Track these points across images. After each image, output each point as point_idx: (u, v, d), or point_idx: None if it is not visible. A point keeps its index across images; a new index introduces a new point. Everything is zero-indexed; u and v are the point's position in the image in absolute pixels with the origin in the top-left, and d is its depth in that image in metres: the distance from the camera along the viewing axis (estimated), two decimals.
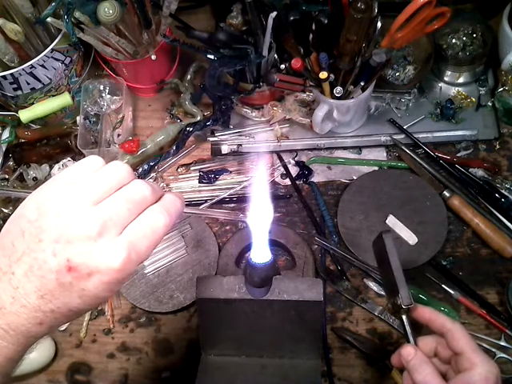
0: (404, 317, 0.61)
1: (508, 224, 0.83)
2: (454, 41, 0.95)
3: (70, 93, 0.95)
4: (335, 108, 0.86)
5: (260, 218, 0.56)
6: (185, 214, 0.50)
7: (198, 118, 0.96)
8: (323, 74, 0.80)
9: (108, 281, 0.40)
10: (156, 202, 0.44)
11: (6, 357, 0.42)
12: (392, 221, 0.84)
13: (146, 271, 0.86)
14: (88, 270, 0.39)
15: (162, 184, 0.93)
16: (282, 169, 0.92)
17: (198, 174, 0.93)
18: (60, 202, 0.40)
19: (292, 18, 0.77)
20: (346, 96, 0.85)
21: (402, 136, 0.91)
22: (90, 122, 0.95)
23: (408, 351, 0.57)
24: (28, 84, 0.90)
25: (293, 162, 0.93)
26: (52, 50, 0.88)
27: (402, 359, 0.57)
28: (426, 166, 0.88)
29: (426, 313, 0.61)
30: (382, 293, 0.81)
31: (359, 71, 0.81)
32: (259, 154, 0.94)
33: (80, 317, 0.44)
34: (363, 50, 0.79)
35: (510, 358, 0.75)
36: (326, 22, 0.76)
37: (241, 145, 0.95)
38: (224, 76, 0.91)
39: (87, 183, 0.41)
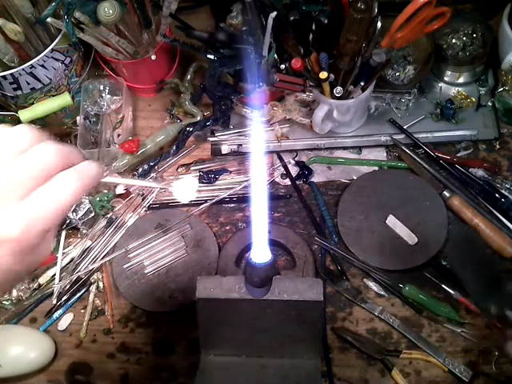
0: None
1: (508, 224, 0.83)
2: (454, 41, 0.95)
3: (70, 93, 0.95)
4: (335, 108, 0.86)
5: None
6: (105, 183, 0.47)
7: (198, 118, 0.96)
8: (323, 74, 0.80)
9: (10, 251, 0.39)
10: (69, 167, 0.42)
11: None
12: (392, 221, 0.84)
13: (145, 271, 0.86)
14: None
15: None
16: (282, 169, 0.92)
17: (198, 174, 0.93)
18: None
19: (292, 18, 0.77)
20: (346, 96, 0.85)
21: (402, 136, 0.91)
22: (90, 121, 0.95)
23: None
24: (28, 84, 0.90)
25: (293, 161, 0.93)
26: (52, 50, 0.88)
27: None
28: (426, 166, 0.88)
29: None
30: (382, 293, 0.81)
31: (359, 71, 0.81)
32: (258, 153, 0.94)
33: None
34: (363, 50, 0.79)
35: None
36: (325, 22, 0.76)
37: (241, 145, 0.95)
38: (224, 76, 0.91)
39: (8, 173, 0.39)
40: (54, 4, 0.80)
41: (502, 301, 0.63)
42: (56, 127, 0.99)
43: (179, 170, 0.94)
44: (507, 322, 0.60)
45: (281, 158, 0.93)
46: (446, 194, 0.85)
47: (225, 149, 0.95)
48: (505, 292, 0.64)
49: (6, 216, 0.38)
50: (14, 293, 0.86)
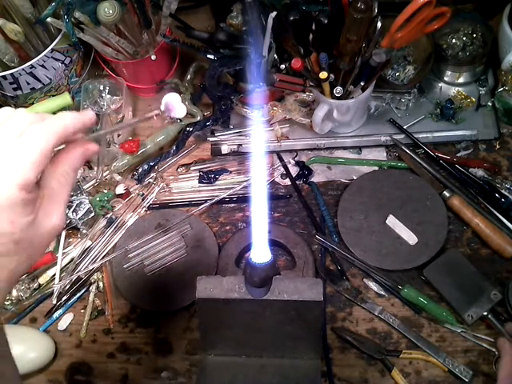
0: None
1: (508, 224, 0.83)
2: (454, 41, 0.95)
3: (70, 93, 0.95)
4: (335, 108, 0.86)
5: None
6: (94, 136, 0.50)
7: (198, 118, 0.96)
8: (323, 74, 0.80)
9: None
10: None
11: None
12: (392, 221, 0.84)
13: (146, 271, 0.86)
14: None
15: (162, 184, 0.93)
16: (282, 169, 0.92)
17: (198, 174, 0.93)
18: None
19: (292, 18, 0.77)
20: (346, 96, 0.85)
21: (402, 136, 0.91)
22: None
23: None
24: (28, 84, 0.90)
25: (293, 161, 0.93)
26: (52, 49, 0.88)
27: None
28: (426, 166, 0.88)
29: None
30: (382, 293, 0.81)
31: (359, 71, 0.81)
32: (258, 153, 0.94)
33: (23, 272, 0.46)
34: (363, 50, 0.79)
35: None
36: (326, 21, 0.76)
37: (241, 145, 0.95)
38: (224, 76, 0.91)
39: None
40: (53, 4, 0.80)
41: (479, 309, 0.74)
42: None
43: (179, 170, 0.94)
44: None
45: (281, 158, 0.93)
46: (446, 193, 0.85)
47: (225, 149, 0.95)
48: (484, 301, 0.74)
49: None
50: (14, 293, 0.86)
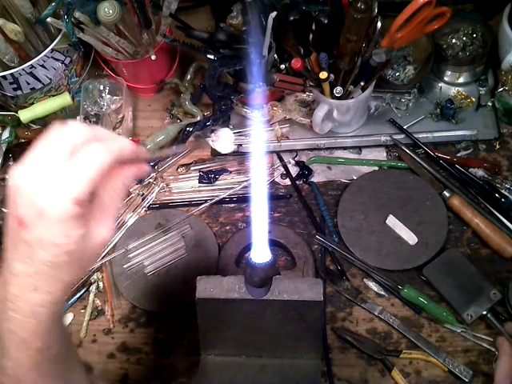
0: None
1: (508, 224, 0.83)
2: (454, 41, 0.95)
3: (70, 93, 0.95)
4: (335, 108, 0.86)
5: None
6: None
7: (198, 118, 0.96)
8: (323, 74, 0.80)
9: (51, 222, 0.42)
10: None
11: (25, 330, 0.46)
12: (392, 221, 0.84)
13: (146, 271, 0.86)
14: (31, 218, 0.42)
15: (162, 184, 0.93)
16: (282, 169, 0.92)
17: (198, 174, 0.93)
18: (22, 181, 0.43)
19: (292, 18, 0.77)
20: (346, 96, 0.85)
21: (402, 136, 0.91)
22: (90, 121, 0.95)
23: None
24: (28, 84, 0.90)
25: (293, 161, 0.93)
26: (52, 50, 0.88)
27: None
28: (426, 165, 0.88)
29: None
30: (382, 292, 0.81)
31: (359, 71, 0.81)
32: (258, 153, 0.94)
33: (74, 279, 0.48)
34: (363, 50, 0.79)
35: None
36: (326, 21, 0.76)
37: (241, 145, 0.95)
38: (224, 76, 0.91)
39: (45, 160, 0.43)
40: (53, 4, 0.80)
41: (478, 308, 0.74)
42: None
43: (179, 169, 0.94)
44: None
45: (281, 158, 0.93)
46: (446, 193, 0.85)
47: None
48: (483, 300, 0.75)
49: (44, 193, 0.42)
50: None
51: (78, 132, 0.44)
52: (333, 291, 0.82)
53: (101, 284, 0.87)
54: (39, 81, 0.91)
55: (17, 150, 0.97)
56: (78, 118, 0.96)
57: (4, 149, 0.98)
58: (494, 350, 0.75)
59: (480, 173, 0.87)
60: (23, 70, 0.87)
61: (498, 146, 0.90)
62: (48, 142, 0.44)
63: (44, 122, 0.99)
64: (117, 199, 0.48)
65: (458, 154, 0.90)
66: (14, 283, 0.45)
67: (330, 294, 0.82)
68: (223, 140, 0.54)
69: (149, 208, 0.92)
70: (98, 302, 0.86)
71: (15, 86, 0.90)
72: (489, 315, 0.76)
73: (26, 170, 0.43)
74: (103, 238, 0.47)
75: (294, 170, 0.92)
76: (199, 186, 0.93)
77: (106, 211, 0.47)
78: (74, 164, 0.43)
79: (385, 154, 0.92)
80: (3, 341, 0.47)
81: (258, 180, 0.57)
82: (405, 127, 0.91)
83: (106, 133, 0.47)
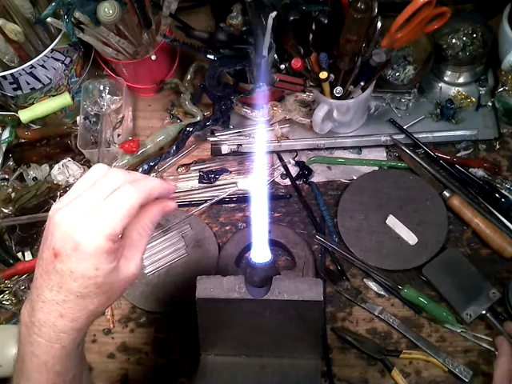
0: None
1: (508, 224, 0.83)
2: (454, 41, 0.95)
3: (69, 93, 0.95)
4: (335, 108, 0.86)
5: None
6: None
7: (198, 118, 0.96)
8: (323, 74, 0.80)
9: (84, 255, 0.46)
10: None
11: (48, 354, 0.49)
12: (392, 221, 0.84)
13: (146, 271, 0.86)
14: (66, 251, 0.46)
15: None
16: (282, 169, 0.92)
17: (198, 174, 0.93)
18: (62, 219, 0.47)
19: (292, 18, 0.77)
20: (346, 96, 0.85)
21: (402, 136, 0.91)
22: (90, 121, 0.95)
23: None
24: (28, 84, 0.90)
25: (293, 161, 0.93)
26: (52, 50, 0.88)
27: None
28: (426, 165, 0.88)
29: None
30: (382, 293, 0.81)
31: (359, 71, 0.81)
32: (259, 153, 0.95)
33: (101, 313, 0.52)
34: (363, 49, 0.79)
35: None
36: (326, 21, 0.76)
37: (241, 145, 0.95)
38: (224, 76, 0.91)
39: (83, 199, 0.48)
40: (53, 4, 0.80)
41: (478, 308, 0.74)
42: (56, 127, 0.99)
43: (179, 170, 0.94)
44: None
45: (281, 158, 0.93)
46: (446, 193, 0.85)
47: (225, 149, 0.95)
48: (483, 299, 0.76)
49: (78, 229, 0.46)
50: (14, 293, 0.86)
51: (118, 177, 0.49)
52: (333, 291, 0.82)
53: None
54: (39, 81, 0.91)
55: (17, 149, 0.97)
56: (77, 118, 0.96)
57: (4, 149, 0.98)
58: (493, 350, 0.75)
59: (480, 173, 0.87)
60: (23, 69, 0.87)
61: (498, 146, 0.90)
62: (89, 182, 0.49)
63: (44, 122, 0.99)
64: (145, 237, 0.51)
65: (458, 154, 0.90)
66: (42, 309, 0.48)
67: (330, 294, 0.82)
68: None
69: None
70: None
71: (15, 86, 0.90)
72: (488, 315, 0.76)
73: (65, 205, 0.47)
74: (131, 272, 0.50)
75: (293, 170, 0.92)
76: (199, 186, 0.93)
77: (135, 248, 0.51)
78: (108, 203, 0.47)
79: (385, 154, 0.92)
80: (25, 362, 0.50)
81: (259, 181, 0.57)
82: (405, 127, 0.91)
83: (141, 175, 0.52)
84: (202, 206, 0.90)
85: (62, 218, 0.46)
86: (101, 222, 0.46)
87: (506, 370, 0.62)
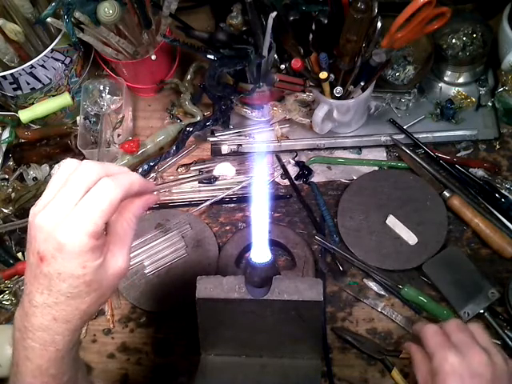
0: None
1: (508, 224, 0.83)
2: (454, 41, 0.95)
3: (70, 93, 0.95)
4: (335, 108, 0.86)
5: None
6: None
7: (198, 118, 0.96)
8: (323, 74, 0.80)
9: (69, 255, 0.45)
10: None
11: (42, 358, 0.49)
12: (392, 221, 0.84)
13: (146, 271, 0.86)
14: (50, 253, 0.45)
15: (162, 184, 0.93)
16: (282, 169, 0.92)
17: (197, 174, 0.93)
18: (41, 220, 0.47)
19: (292, 18, 0.77)
20: (346, 96, 0.85)
21: (402, 136, 0.91)
22: (90, 121, 0.95)
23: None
24: (28, 84, 0.90)
25: (293, 162, 0.93)
26: (52, 50, 0.88)
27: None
28: (426, 166, 0.88)
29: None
30: (383, 293, 0.81)
31: (359, 71, 0.81)
32: (259, 153, 0.95)
33: (94, 312, 0.51)
34: (363, 50, 0.79)
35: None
36: (325, 21, 0.76)
37: (241, 145, 0.95)
38: (224, 76, 0.91)
39: (60, 199, 0.47)
40: (54, 4, 0.80)
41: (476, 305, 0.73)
42: (56, 127, 0.99)
43: (179, 170, 0.94)
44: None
45: (280, 159, 0.93)
46: (446, 193, 0.85)
47: (225, 149, 0.95)
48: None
49: (60, 229, 0.45)
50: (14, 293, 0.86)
51: (91, 170, 0.47)
52: (333, 291, 0.82)
53: None
54: (39, 81, 0.91)
55: (17, 149, 0.97)
56: (77, 118, 0.96)
57: (4, 149, 0.98)
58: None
59: (480, 173, 0.87)
60: (23, 69, 0.87)
61: (498, 146, 0.90)
62: (62, 180, 0.48)
63: (44, 122, 0.99)
64: (129, 230, 0.51)
65: (458, 154, 0.90)
66: (35, 314, 0.48)
67: (330, 294, 0.82)
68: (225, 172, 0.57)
69: (149, 208, 0.92)
70: None
71: (15, 86, 0.90)
72: (486, 314, 0.76)
73: (44, 207, 0.46)
74: (119, 267, 0.50)
75: (294, 170, 0.92)
76: (199, 186, 0.93)
77: (121, 242, 0.50)
78: (87, 200, 0.46)
79: (385, 154, 0.92)
80: (19, 366, 0.50)
81: (259, 186, 0.58)
82: (405, 127, 0.91)
83: (117, 168, 0.50)
84: (202, 205, 0.90)
85: (41, 220, 0.46)
86: (81, 220, 0.45)
87: (425, 370, 0.58)
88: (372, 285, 0.82)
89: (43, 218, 0.46)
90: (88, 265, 0.46)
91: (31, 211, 0.48)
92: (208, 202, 0.90)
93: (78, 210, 0.45)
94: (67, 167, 0.49)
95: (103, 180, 0.47)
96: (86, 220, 0.45)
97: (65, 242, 0.45)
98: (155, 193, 0.56)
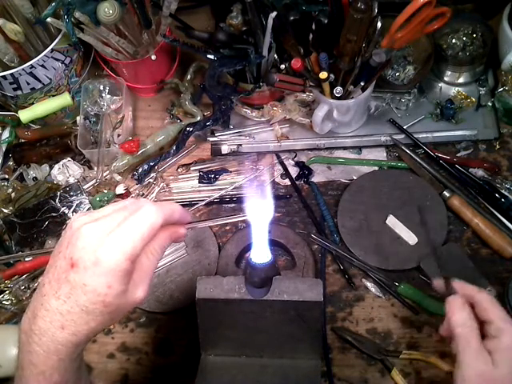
0: None
1: (508, 224, 0.83)
2: (454, 41, 0.95)
3: (70, 93, 0.95)
4: (335, 108, 0.86)
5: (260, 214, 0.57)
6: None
7: (198, 118, 0.96)
8: (323, 74, 0.80)
9: (101, 271, 0.46)
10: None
11: (46, 364, 0.49)
12: (392, 221, 0.84)
13: None
14: (84, 263, 0.46)
15: (162, 184, 0.93)
16: (282, 169, 0.92)
17: (197, 174, 0.93)
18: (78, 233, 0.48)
19: (292, 18, 0.77)
20: (346, 96, 0.85)
21: (402, 136, 0.91)
22: (90, 121, 0.95)
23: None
24: (28, 84, 0.90)
25: (293, 162, 0.93)
26: (52, 50, 0.88)
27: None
28: (426, 166, 0.88)
29: (457, 285, 0.62)
30: (383, 293, 0.81)
31: (359, 71, 0.81)
32: (259, 153, 0.94)
33: (99, 332, 0.51)
34: (363, 50, 0.79)
35: None
36: (326, 21, 0.77)
37: (241, 145, 0.95)
38: (224, 76, 0.91)
39: (111, 218, 0.49)
40: (54, 4, 0.80)
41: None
42: (56, 127, 0.99)
43: (179, 169, 0.94)
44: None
45: (280, 158, 0.93)
46: (446, 193, 0.85)
47: (225, 149, 0.95)
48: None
49: (99, 244, 0.47)
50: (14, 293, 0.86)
51: (148, 207, 0.49)
52: (333, 291, 0.82)
53: None
54: (39, 81, 0.91)
55: (17, 149, 0.97)
56: (77, 118, 0.96)
57: (4, 149, 0.98)
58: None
59: (480, 173, 0.87)
60: (23, 69, 0.87)
61: (498, 146, 0.90)
62: (120, 205, 0.51)
63: (44, 122, 0.99)
64: (154, 262, 0.51)
65: (458, 154, 0.90)
66: (44, 318, 0.48)
67: (330, 294, 0.82)
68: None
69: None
70: None
71: (15, 86, 0.90)
72: None
73: (94, 220, 0.48)
74: (138, 297, 0.50)
75: (294, 170, 0.92)
76: (199, 186, 0.93)
77: (144, 273, 0.50)
78: (129, 221, 0.48)
79: (385, 154, 0.92)
80: (24, 370, 0.50)
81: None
82: (405, 127, 0.91)
83: (166, 203, 0.53)
84: (200, 204, 0.89)
85: (88, 231, 0.47)
86: (122, 240, 0.46)
87: (469, 326, 0.58)
88: (372, 285, 0.82)
89: (91, 229, 0.47)
90: (114, 286, 0.47)
91: (76, 217, 0.49)
92: (207, 200, 0.89)
93: (121, 230, 0.47)
94: (130, 199, 0.52)
95: (147, 204, 0.49)
96: (127, 241, 0.47)
97: (102, 257, 0.46)
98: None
